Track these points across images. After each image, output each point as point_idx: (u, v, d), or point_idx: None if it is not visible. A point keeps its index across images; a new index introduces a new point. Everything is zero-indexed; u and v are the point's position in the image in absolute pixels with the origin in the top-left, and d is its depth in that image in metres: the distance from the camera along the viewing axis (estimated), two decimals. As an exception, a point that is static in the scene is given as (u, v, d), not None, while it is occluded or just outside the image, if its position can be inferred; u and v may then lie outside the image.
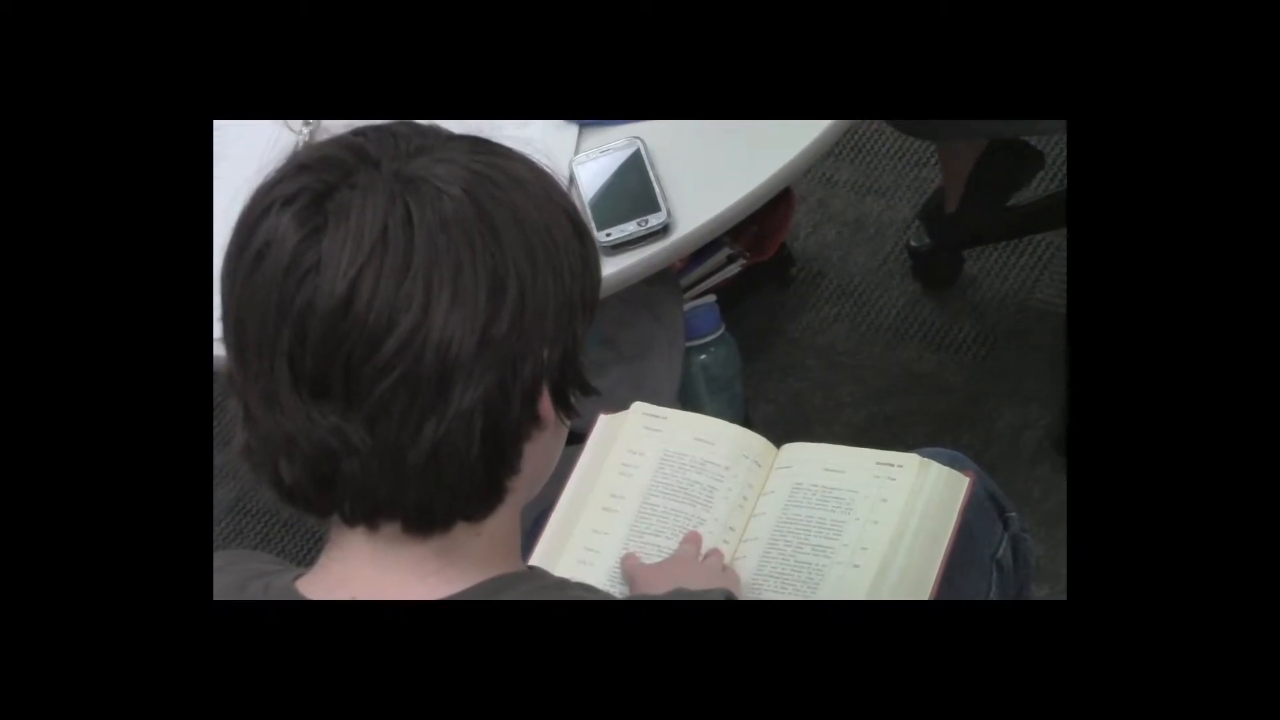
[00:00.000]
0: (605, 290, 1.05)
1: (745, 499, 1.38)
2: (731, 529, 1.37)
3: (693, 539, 1.35)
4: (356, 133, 0.93)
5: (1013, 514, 1.43)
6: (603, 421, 1.44)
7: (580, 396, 0.97)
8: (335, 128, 0.97)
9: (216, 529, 2.31)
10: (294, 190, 0.90)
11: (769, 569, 1.33)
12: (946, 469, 1.35)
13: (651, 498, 1.38)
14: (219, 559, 1.02)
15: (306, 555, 2.25)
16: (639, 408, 1.44)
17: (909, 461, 1.35)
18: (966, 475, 1.35)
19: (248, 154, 1.57)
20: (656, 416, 1.43)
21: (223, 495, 2.32)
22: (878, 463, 1.36)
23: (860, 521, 1.32)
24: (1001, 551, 1.41)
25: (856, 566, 1.30)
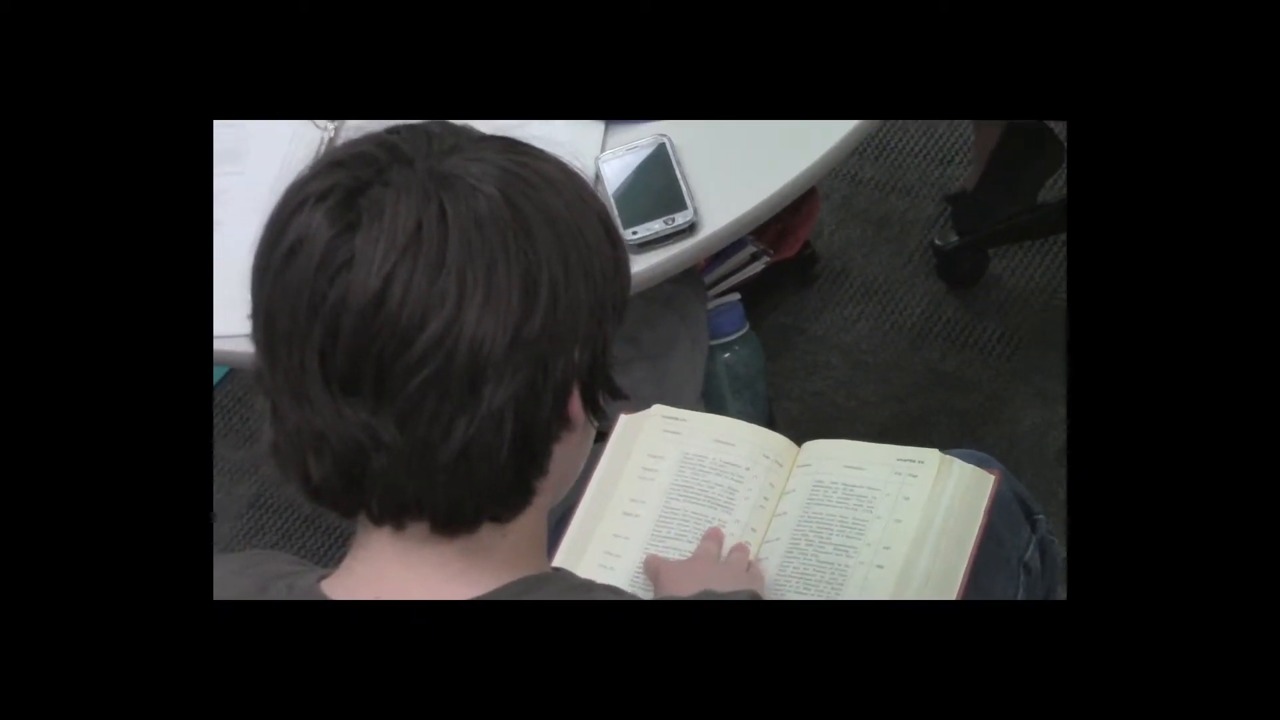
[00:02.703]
0: (632, 289, 1.04)
1: (766, 499, 1.37)
2: (753, 530, 1.36)
3: (714, 536, 1.34)
4: (390, 130, 0.93)
5: (1040, 515, 1.42)
6: (623, 423, 1.43)
7: (609, 399, 0.96)
8: (358, 126, 0.96)
9: (236, 525, 2.31)
10: (327, 187, 0.89)
11: (791, 569, 1.32)
12: (970, 466, 1.33)
13: (672, 501, 1.37)
14: (239, 561, 1.02)
15: (327, 551, 2.25)
16: (658, 410, 1.43)
17: (930, 458, 1.34)
18: (991, 473, 1.34)
19: (269, 151, 1.58)
20: (676, 419, 1.42)
21: (243, 492, 2.32)
22: (899, 459, 1.35)
23: (883, 520, 1.31)
24: (1029, 554, 1.40)
25: (880, 567, 1.29)
